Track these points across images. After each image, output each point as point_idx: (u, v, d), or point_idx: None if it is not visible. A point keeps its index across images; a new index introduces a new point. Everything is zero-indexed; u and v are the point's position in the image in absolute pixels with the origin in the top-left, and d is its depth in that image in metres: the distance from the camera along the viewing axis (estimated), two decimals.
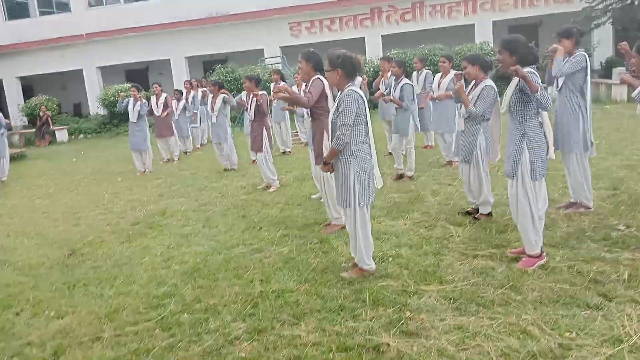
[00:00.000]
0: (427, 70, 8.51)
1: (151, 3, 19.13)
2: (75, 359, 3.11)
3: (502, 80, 14.44)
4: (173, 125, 10.61)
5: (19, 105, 19.52)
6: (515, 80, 3.70)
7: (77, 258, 5.00)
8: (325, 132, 4.63)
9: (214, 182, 8.10)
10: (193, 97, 11.92)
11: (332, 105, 4.13)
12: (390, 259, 4.15)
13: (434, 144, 8.86)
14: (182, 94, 11.70)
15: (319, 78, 4.75)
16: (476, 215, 4.96)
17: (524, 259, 3.81)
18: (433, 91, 7.76)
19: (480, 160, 4.81)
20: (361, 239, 3.84)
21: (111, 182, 9.06)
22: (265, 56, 17.73)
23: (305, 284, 3.84)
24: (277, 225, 5.39)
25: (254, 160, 9.16)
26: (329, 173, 4.17)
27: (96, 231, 5.90)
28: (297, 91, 9.84)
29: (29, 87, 21.08)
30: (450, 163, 7.45)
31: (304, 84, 6.63)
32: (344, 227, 4.79)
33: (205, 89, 12.79)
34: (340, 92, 3.85)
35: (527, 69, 3.63)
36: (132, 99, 9.39)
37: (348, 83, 3.79)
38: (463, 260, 4.00)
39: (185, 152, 11.52)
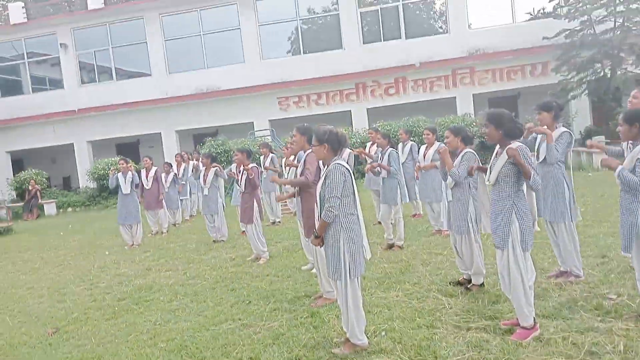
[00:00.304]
0: (412, 142, 8.76)
1: (142, 80, 19.72)
2: None
3: (485, 150, 14.83)
4: (162, 198, 10.63)
5: (7, 179, 19.50)
6: (504, 153, 3.81)
7: (60, 336, 4.84)
8: (315, 206, 4.70)
9: (202, 254, 8.02)
10: (184, 169, 12.05)
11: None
12: (383, 332, 4.07)
13: (422, 212, 8.95)
14: (172, 166, 11.83)
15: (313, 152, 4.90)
16: (468, 286, 4.93)
17: (518, 331, 3.76)
18: (419, 162, 7.94)
19: (472, 231, 4.85)
20: (353, 313, 3.79)
21: (98, 256, 8.92)
22: (255, 129, 18.14)
23: None
24: (266, 299, 5.30)
25: (243, 232, 9.14)
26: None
27: (81, 307, 5.74)
28: (282, 163, 10.06)
29: (18, 160, 21.18)
30: (439, 232, 7.50)
31: (292, 156, 6.80)
32: (335, 301, 4.73)
33: (195, 161, 12.98)
34: (326, 166, 3.95)
35: (516, 144, 3.77)
36: (121, 173, 9.45)
37: (334, 157, 3.90)
38: (457, 332, 3.94)
39: (175, 224, 11.47)
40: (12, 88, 20.99)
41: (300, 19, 19.04)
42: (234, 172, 8.96)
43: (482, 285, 4.91)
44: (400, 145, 8.77)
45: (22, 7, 20.91)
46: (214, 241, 8.93)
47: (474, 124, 14.77)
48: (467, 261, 4.95)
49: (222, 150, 16.14)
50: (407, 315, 4.40)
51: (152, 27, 19.33)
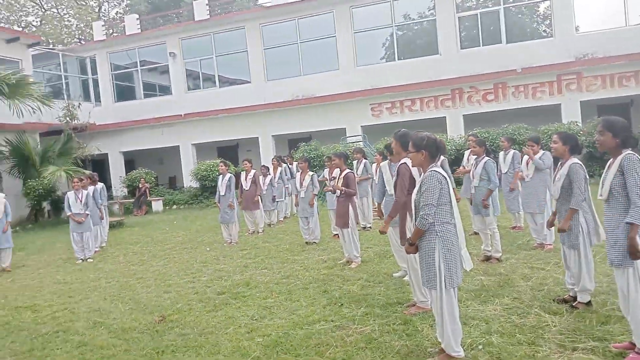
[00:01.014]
0: (514, 151, 8.37)
1: (242, 87, 20.67)
2: None
3: (593, 162, 13.85)
4: (260, 199, 11.06)
5: (120, 177, 21.30)
6: (616, 164, 3.57)
7: (166, 324, 5.20)
8: (408, 213, 4.68)
9: (296, 255, 8.23)
10: (280, 172, 12.46)
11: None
12: (480, 346, 3.93)
13: (522, 224, 8.51)
14: (269, 169, 12.26)
15: (404, 164, 4.90)
16: (574, 304, 4.63)
17: (631, 355, 3.47)
18: (522, 171, 7.59)
19: (582, 245, 4.52)
20: (448, 324, 3.71)
21: (200, 251, 9.47)
22: (347, 135, 18.30)
23: None
24: (358, 303, 5.33)
25: (335, 235, 9.27)
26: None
27: (185, 299, 6.13)
28: (374, 168, 10.05)
29: (130, 161, 23.05)
30: (541, 246, 7.09)
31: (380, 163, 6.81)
32: (429, 310, 4.66)
33: (288, 165, 13.37)
34: (423, 173, 3.90)
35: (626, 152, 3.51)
36: (220, 175, 10.00)
37: (431, 164, 3.84)
38: (561, 352, 3.71)
39: (270, 225, 11.88)
40: (127, 94, 22.91)
41: (395, 25, 18.96)
42: (326, 179, 9.13)
43: (589, 303, 4.58)
44: (501, 154, 8.43)
45: (137, 19, 22.84)
46: (306, 243, 9.13)
47: (581, 132, 13.79)
48: (575, 277, 4.63)
49: (315, 155, 16.46)
50: (506, 330, 4.22)
51: (253, 36, 20.20)
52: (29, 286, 7.71)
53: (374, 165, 10.46)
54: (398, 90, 17.91)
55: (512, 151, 8.32)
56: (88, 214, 9.72)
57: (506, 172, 8.17)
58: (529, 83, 16.82)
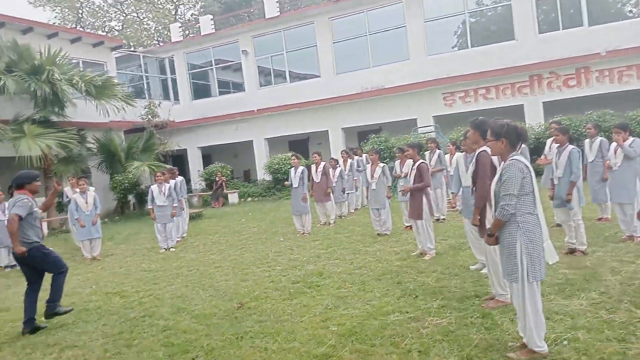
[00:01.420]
0: (602, 138, 7.84)
1: (312, 81, 20.87)
2: None
3: None
4: (330, 191, 11.15)
5: (199, 171, 22.25)
6: None
7: (244, 311, 5.38)
8: (487, 204, 4.51)
9: (368, 246, 8.23)
10: (350, 164, 12.48)
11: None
12: (565, 342, 3.75)
13: (609, 216, 7.99)
14: (338, 162, 12.31)
15: (484, 151, 4.72)
16: None
17: None
18: (609, 159, 7.12)
19: None
20: (531, 318, 3.56)
21: (274, 241, 9.71)
22: (418, 125, 17.98)
23: None
24: (433, 295, 5.24)
25: (407, 227, 9.16)
26: (492, 246, 4.01)
27: (261, 287, 6.32)
28: (448, 159, 9.79)
29: (207, 155, 24.00)
30: (631, 238, 6.63)
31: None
32: (509, 304, 4.51)
33: (359, 157, 13.35)
34: (503, 161, 3.76)
35: None
36: (293, 168, 10.17)
37: (512, 153, 3.69)
38: None
39: (341, 216, 11.94)
40: (203, 91, 23.84)
41: (468, 12, 18.32)
42: (398, 173, 9.02)
43: None
44: (587, 142, 7.93)
45: (211, 20, 23.67)
46: (378, 234, 9.09)
47: None
48: None
49: (385, 147, 16.33)
50: (593, 326, 4.00)
51: (322, 30, 20.30)
52: (117, 273, 8.25)
53: (447, 156, 10.22)
54: (472, 78, 17.34)
55: (599, 139, 7.80)
56: (176, 206, 10.29)
57: (592, 161, 7.68)
58: (614, 67, 15.69)
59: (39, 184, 5.79)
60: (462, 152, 6.08)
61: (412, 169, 7.30)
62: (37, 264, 5.58)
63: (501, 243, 3.72)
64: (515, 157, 3.64)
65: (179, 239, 10.80)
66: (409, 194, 7.31)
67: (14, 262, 9.60)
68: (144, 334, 4.99)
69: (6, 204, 9.62)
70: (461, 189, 5.95)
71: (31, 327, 5.43)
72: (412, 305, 5.00)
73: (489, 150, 4.47)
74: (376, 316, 4.76)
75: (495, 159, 4.62)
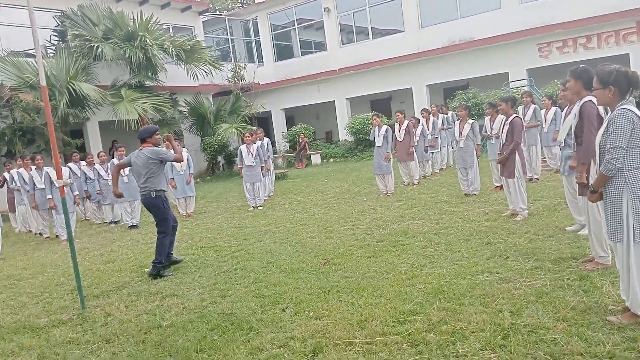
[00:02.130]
0: None
1: (395, 37, 20.17)
2: (331, 359, 3.39)
3: None
4: (414, 150, 10.90)
5: (282, 132, 22.69)
6: None
7: (330, 267, 5.49)
8: (591, 158, 4.18)
9: (454, 207, 8.01)
10: (433, 123, 12.09)
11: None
12: None
13: None
14: (419, 121, 11.95)
15: (590, 101, 4.35)
16: None
17: None
18: None
19: None
20: (636, 281, 3.31)
21: (357, 201, 9.75)
22: (510, 79, 16.94)
23: (563, 323, 3.46)
24: (526, 256, 5.02)
25: (497, 187, 8.79)
26: (595, 204, 3.73)
27: (346, 244, 6.40)
28: (543, 114, 9.15)
29: (290, 117, 24.35)
30: None
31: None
32: (610, 267, 4.23)
33: (445, 114, 12.88)
34: (610, 111, 3.43)
35: None
36: (376, 127, 10.00)
37: (621, 101, 3.35)
38: None
39: (424, 177, 11.70)
40: (285, 53, 23.97)
41: None
42: (488, 134, 8.60)
43: None
44: None
45: None
46: (465, 194, 8.82)
47: None
48: None
49: (473, 104, 15.60)
50: None
51: None
52: (210, 229, 8.72)
53: (543, 111, 9.58)
54: (571, 26, 15.91)
55: None
56: (262, 166, 10.60)
57: None
58: None
59: (158, 137, 6.36)
60: (557, 106, 5.66)
61: (503, 125, 6.92)
62: (153, 210, 6.14)
63: (605, 200, 3.45)
64: (624, 106, 3.31)
65: (266, 198, 11.16)
66: (497, 145, 6.97)
67: (117, 218, 10.49)
68: (236, 285, 5.26)
69: (109, 164, 10.46)
70: (558, 145, 5.57)
71: (155, 271, 5.94)
72: (503, 266, 4.83)
73: (594, 99, 4.11)
74: (464, 276, 4.65)
75: (601, 109, 4.25)
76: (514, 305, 3.85)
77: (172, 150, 6.29)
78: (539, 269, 4.62)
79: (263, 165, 10.75)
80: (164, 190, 6.21)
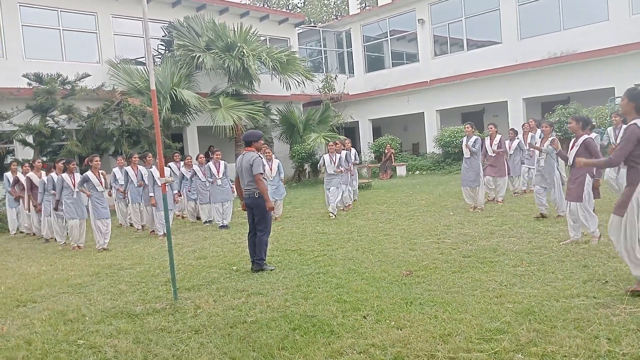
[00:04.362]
0: None
1: (492, 48, 19.55)
2: None
3: None
4: (507, 165, 10.46)
5: (368, 143, 22.73)
6: None
7: (413, 279, 5.41)
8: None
9: (549, 226, 7.58)
10: (531, 137, 11.51)
11: None
12: None
13: None
14: (517, 133, 11.45)
15: (635, 124, 4.08)
16: None
17: None
18: None
19: None
20: None
21: (443, 215, 9.52)
22: (616, 95, 15.75)
23: None
24: (627, 282, 4.64)
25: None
26: None
27: (430, 257, 6.28)
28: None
29: (377, 128, 24.34)
30: None
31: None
32: None
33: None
34: None
35: None
36: (465, 137, 9.75)
37: None
38: None
39: (514, 193, 11.17)
40: (376, 64, 24.06)
41: None
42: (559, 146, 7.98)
43: None
44: None
45: None
46: (541, 215, 8.27)
47: None
48: None
49: None
50: None
51: None
52: (295, 233, 8.92)
53: None
54: None
55: None
56: (340, 169, 10.62)
57: None
58: None
59: (262, 142, 6.71)
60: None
61: (573, 145, 6.40)
62: (256, 212, 6.44)
63: None
64: None
65: (349, 205, 11.21)
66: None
67: (211, 218, 11.03)
68: (318, 289, 5.34)
69: (206, 166, 11.04)
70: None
71: (257, 267, 6.30)
72: (601, 290, 4.51)
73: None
74: (557, 298, 4.39)
75: None
76: (611, 332, 3.58)
77: (259, 165, 6.31)
78: None
79: (341, 169, 10.69)
80: None
